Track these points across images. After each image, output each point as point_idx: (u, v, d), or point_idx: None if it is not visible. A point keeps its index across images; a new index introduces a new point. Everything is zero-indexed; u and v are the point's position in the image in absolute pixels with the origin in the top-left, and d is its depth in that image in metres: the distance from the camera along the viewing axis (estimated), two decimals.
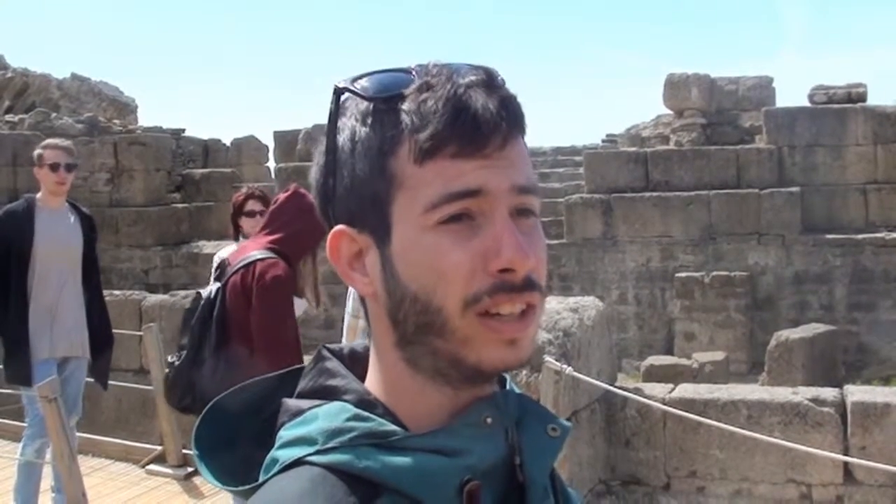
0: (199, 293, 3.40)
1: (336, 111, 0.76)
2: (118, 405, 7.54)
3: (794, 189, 12.56)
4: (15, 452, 5.04)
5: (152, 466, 5.97)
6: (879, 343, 11.93)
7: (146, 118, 27.46)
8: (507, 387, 0.80)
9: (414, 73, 0.74)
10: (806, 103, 13.40)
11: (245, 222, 4.82)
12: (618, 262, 13.10)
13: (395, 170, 0.72)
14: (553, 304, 4.94)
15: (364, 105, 0.75)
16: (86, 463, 5.53)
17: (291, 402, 0.77)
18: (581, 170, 14.73)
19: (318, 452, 0.71)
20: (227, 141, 19.15)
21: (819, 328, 10.74)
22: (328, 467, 0.70)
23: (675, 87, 14.54)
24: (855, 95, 13.21)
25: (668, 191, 13.04)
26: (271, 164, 17.95)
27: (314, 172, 0.79)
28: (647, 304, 13.01)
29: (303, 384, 0.79)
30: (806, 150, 12.89)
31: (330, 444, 0.71)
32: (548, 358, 4.26)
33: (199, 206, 15.58)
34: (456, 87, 0.72)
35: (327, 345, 0.82)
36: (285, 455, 0.72)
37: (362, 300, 0.79)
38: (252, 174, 18.00)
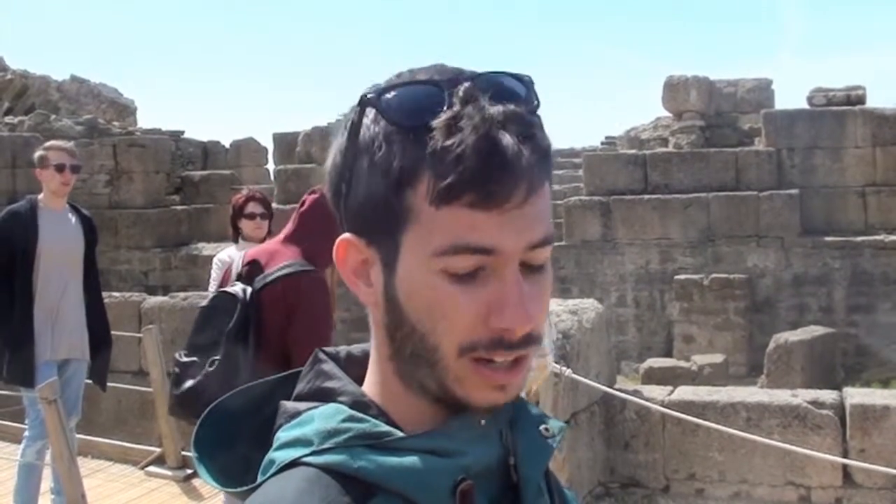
0: (225, 292, 3.12)
1: (360, 119, 0.74)
2: (117, 407, 7.55)
3: (793, 191, 12.57)
4: (15, 454, 5.05)
5: (151, 468, 5.97)
6: (878, 345, 11.92)
7: (145, 120, 27.58)
8: None
9: (444, 89, 0.71)
10: (805, 105, 13.39)
11: (245, 224, 4.84)
12: (617, 265, 13.10)
13: (411, 203, 0.71)
14: (552, 306, 4.94)
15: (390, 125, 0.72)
16: (85, 464, 5.52)
17: (289, 404, 0.78)
18: (580, 172, 14.73)
19: (313, 453, 0.72)
20: (227, 143, 19.20)
21: (818, 330, 10.76)
22: (323, 468, 0.71)
23: (674, 90, 14.55)
24: (854, 98, 13.21)
25: (668, 193, 13.05)
26: (270, 165, 18.01)
27: (329, 167, 0.78)
28: (646, 306, 13.01)
29: (300, 386, 0.80)
30: (805, 152, 12.89)
31: (325, 445, 0.72)
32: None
33: (199, 208, 15.58)
34: (485, 127, 0.69)
35: (324, 348, 0.83)
36: (282, 456, 0.74)
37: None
38: (251, 176, 18.03)
